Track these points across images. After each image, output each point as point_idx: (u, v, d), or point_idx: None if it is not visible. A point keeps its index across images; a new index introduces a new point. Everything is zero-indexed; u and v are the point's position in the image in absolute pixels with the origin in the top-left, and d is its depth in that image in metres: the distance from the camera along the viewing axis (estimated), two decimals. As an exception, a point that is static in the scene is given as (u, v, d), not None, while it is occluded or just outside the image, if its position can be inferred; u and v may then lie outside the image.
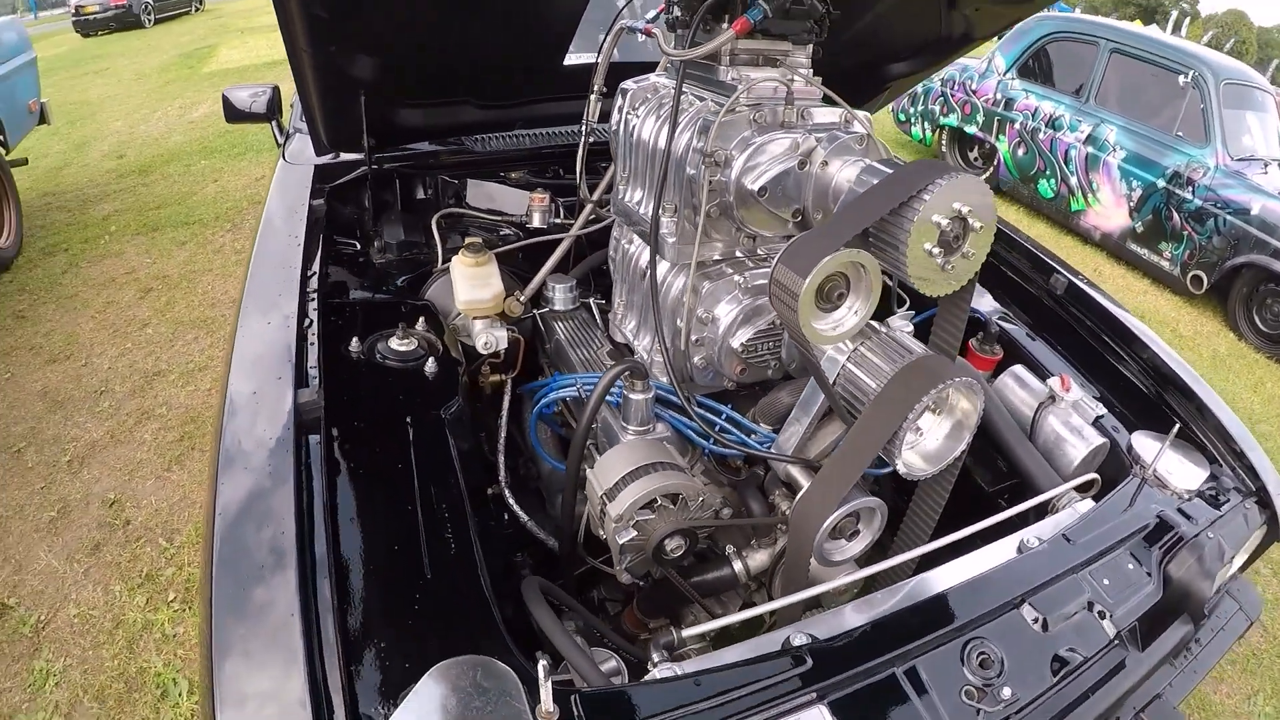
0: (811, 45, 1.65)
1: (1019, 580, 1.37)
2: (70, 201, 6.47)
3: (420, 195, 2.65)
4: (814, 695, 1.09)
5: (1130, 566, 1.48)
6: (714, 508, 1.57)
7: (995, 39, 6.73)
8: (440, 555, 1.25)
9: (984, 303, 2.29)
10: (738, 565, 1.58)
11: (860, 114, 1.61)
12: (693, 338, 1.65)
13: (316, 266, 1.95)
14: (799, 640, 1.15)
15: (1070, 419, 1.83)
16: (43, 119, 5.77)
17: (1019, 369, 1.98)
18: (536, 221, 2.37)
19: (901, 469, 1.35)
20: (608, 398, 1.59)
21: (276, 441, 1.35)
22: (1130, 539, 1.52)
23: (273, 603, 1.09)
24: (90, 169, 7.43)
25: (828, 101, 1.66)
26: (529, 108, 2.45)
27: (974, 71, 7.53)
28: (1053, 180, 6.71)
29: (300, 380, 1.48)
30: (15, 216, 5.23)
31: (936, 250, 1.26)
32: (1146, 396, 1.96)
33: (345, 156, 2.48)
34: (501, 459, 1.77)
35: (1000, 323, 2.17)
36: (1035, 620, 1.31)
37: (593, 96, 2.06)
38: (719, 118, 1.50)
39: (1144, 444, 1.74)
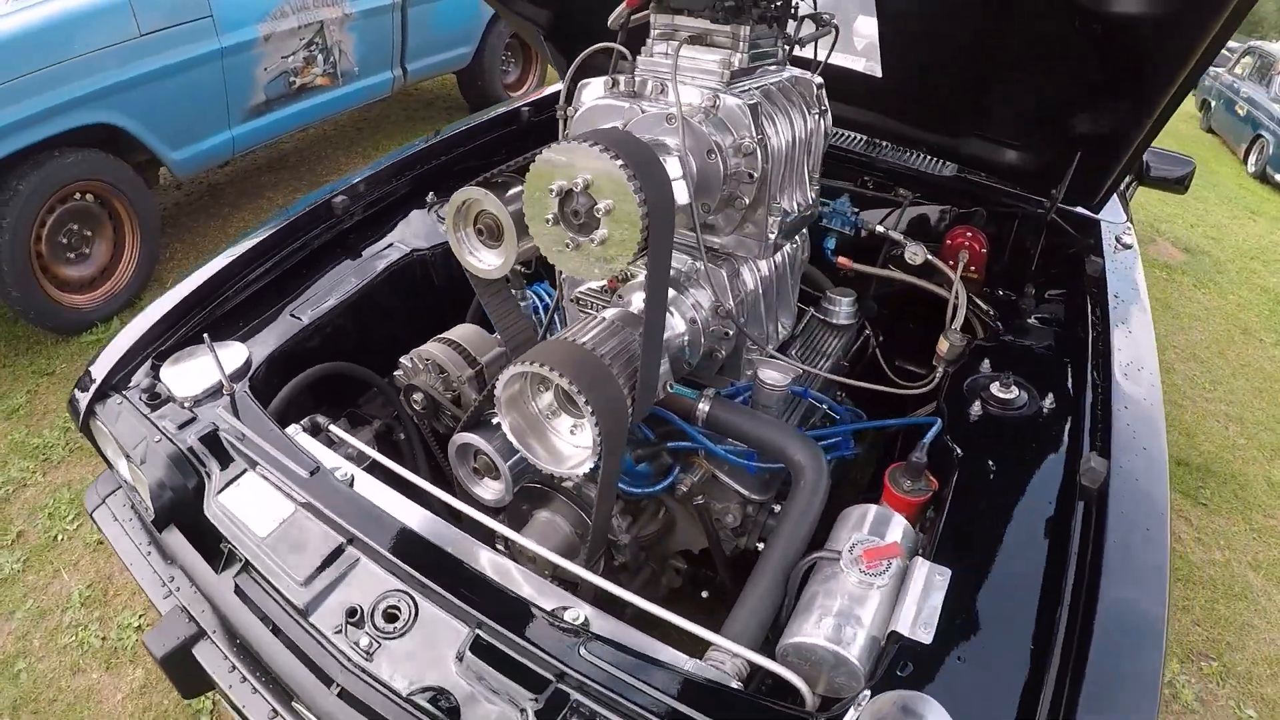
0: (749, 27, 1.52)
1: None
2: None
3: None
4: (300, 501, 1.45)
5: None
6: (467, 399, 1.77)
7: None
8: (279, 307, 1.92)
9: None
10: None
11: (732, 102, 1.47)
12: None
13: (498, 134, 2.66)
14: (345, 474, 1.49)
15: (855, 607, 1.20)
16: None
17: (893, 514, 1.37)
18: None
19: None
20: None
21: (293, 213, 2.08)
22: None
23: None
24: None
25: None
26: None
27: None
28: None
29: (351, 190, 2.16)
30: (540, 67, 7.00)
31: (550, 218, 1.26)
32: None
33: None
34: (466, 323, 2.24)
35: (959, 447, 1.49)
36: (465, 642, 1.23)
37: None
38: (569, 72, 1.64)
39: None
